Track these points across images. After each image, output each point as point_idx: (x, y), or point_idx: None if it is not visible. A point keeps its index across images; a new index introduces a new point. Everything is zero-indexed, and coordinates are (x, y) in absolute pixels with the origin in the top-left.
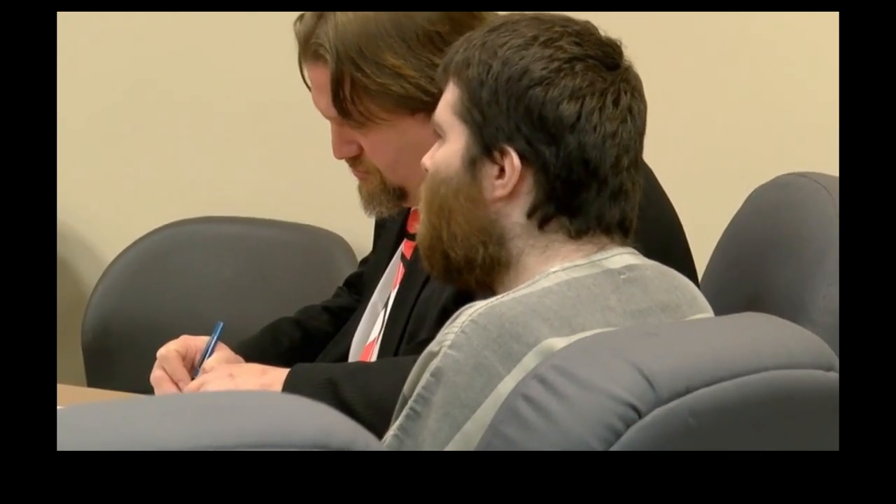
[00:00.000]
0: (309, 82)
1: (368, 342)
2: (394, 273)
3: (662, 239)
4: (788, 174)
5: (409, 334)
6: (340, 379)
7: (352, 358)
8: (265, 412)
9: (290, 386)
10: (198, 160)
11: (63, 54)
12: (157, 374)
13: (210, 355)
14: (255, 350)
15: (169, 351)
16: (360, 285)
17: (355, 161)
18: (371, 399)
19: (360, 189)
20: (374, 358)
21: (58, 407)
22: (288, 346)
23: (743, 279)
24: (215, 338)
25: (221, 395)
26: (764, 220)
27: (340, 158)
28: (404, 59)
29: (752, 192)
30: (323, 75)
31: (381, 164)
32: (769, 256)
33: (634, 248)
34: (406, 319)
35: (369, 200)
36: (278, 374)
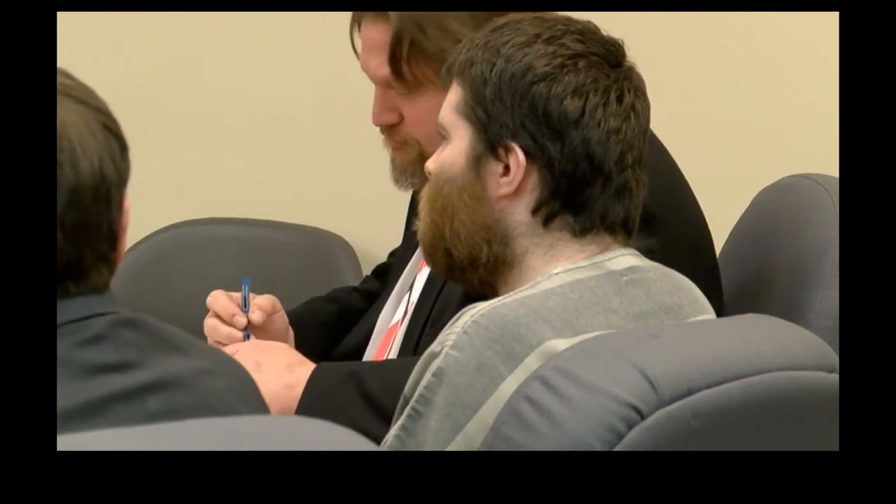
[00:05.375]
0: (361, 41)
1: (391, 325)
2: (420, 257)
3: (693, 241)
4: (792, 176)
5: (433, 319)
6: (363, 372)
7: (374, 339)
8: (291, 443)
9: (313, 381)
10: (199, 162)
11: (63, 56)
12: (209, 322)
13: (248, 308)
14: (292, 322)
15: (215, 293)
16: (387, 275)
17: (392, 130)
18: (394, 390)
19: (393, 160)
20: (397, 340)
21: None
22: (325, 319)
23: (746, 281)
24: (246, 291)
25: (244, 421)
26: (767, 222)
27: (379, 125)
28: (467, 28)
29: (758, 194)
30: (380, 34)
31: (423, 132)
32: (772, 259)
33: (664, 248)
34: (432, 304)
35: (402, 171)
36: (303, 374)
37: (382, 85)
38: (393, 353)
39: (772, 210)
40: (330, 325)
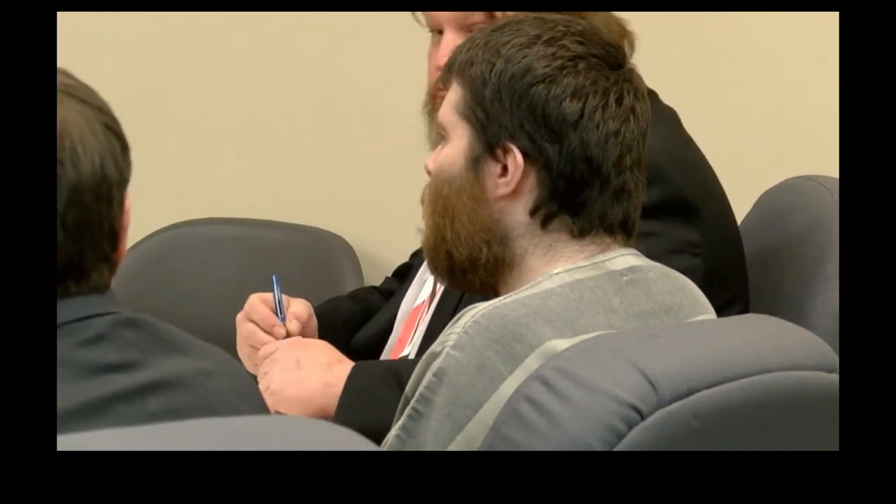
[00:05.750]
0: None
1: (416, 305)
2: None
3: (728, 233)
4: (796, 177)
5: (466, 300)
6: (404, 369)
7: (399, 321)
8: (291, 443)
9: (353, 379)
10: (199, 162)
11: (63, 56)
12: (249, 327)
13: (281, 313)
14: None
15: (253, 301)
16: (407, 274)
17: None
18: None
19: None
20: (424, 321)
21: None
22: (347, 317)
23: (751, 282)
24: (278, 293)
25: (245, 421)
26: (771, 223)
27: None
28: None
29: (762, 195)
30: None
31: None
32: (775, 260)
33: (706, 240)
34: None
35: None
36: (342, 373)
37: (458, 22)
38: (419, 334)
39: (775, 211)
40: (352, 323)
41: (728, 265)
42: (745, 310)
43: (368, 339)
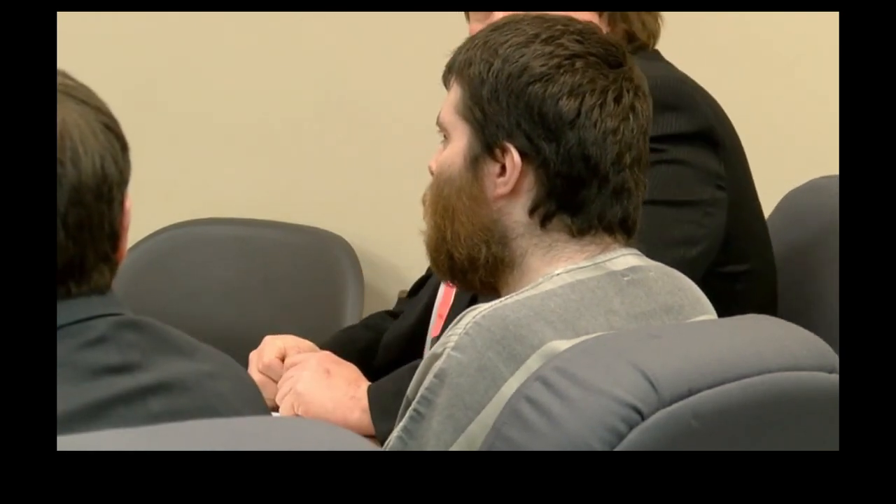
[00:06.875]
0: None
1: None
2: None
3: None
4: (823, 177)
5: None
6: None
7: (437, 301)
8: (292, 444)
9: (375, 390)
10: (199, 162)
11: (63, 56)
12: (271, 364)
13: None
14: (332, 350)
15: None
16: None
17: None
18: None
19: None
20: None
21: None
22: (364, 345)
23: (795, 284)
24: None
25: (245, 422)
26: (801, 223)
27: None
28: None
29: (785, 196)
30: None
31: None
32: (808, 259)
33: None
34: None
35: None
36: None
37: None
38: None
39: (804, 211)
40: (369, 352)
41: (744, 219)
42: (769, 290)
43: (405, 330)
